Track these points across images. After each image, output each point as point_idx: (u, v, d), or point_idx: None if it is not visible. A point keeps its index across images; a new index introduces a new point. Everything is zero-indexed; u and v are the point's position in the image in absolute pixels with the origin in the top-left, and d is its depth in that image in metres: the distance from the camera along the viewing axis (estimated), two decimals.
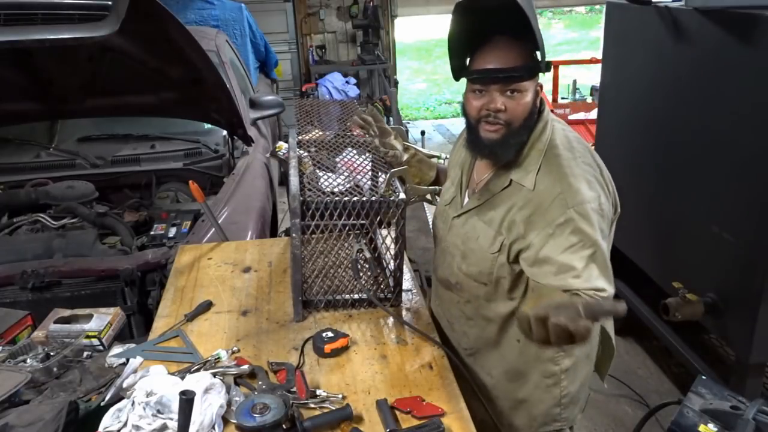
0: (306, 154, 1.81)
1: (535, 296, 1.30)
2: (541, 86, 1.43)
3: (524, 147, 1.42)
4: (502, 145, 1.40)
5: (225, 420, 1.29)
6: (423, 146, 6.19)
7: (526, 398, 1.59)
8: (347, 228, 1.67)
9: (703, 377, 1.33)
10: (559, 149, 1.41)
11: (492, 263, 1.46)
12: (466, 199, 1.56)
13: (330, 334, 1.54)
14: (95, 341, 1.68)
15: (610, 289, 1.33)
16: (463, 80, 1.44)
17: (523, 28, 1.28)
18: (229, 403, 1.31)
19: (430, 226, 4.72)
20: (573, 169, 1.37)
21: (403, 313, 1.71)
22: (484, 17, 1.34)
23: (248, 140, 3.06)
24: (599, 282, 1.31)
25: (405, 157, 1.76)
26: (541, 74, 1.39)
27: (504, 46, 1.35)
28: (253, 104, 3.56)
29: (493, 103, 1.36)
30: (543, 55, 1.34)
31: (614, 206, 1.44)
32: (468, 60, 1.42)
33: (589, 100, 6.24)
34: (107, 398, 1.39)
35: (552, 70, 1.43)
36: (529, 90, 1.37)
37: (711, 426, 1.18)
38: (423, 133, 6.52)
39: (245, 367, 1.43)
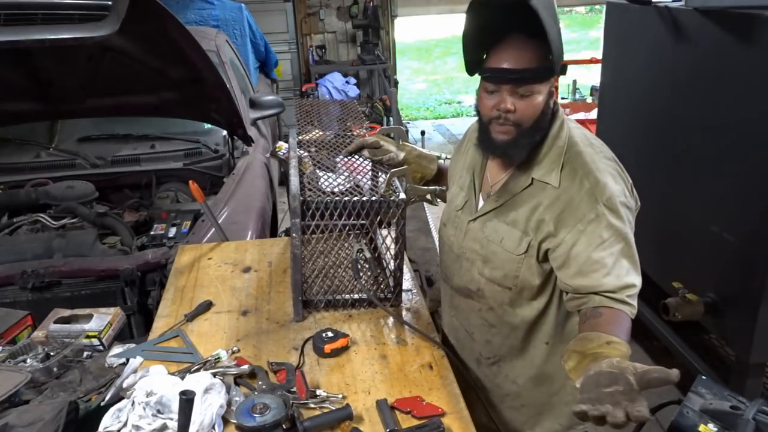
0: (306, 154, 1.81)
1: (578, 354, 1.20)
2: (556, 87, 1.43)
3: (542, 145, 1.41)
4: (513, 146, 1.39)
5: (225, 420, 1.29)
6: (423, 146, 6.19)
7: (553, 402, 1.57)
8: (347, 228, 1.67)
9: (703, 377, 1.33)
10: (579, 146, 1.40)
11: (518, 265, 1.43)
12: (481, 202, 1.53)
13: (330, 334, 1.54)
14: (95, 341, 1.68)
15: (639, 283, 1.34)
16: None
17: (541, 29, 1.26)
18: (229, 403, 1.31)
19: (432, 230, 4.74)
20: (597, 164, 1.37)
21: (403, 313, 1.71)
22: (502, 14, 1.33)
23: (248, 140, 3.06)
24: (629, 278, 1.32)
25: (402, 155, 1.74)
26: (556, 76, 1.39)
27: (519, 46, 1.33)
28: (253, 104, 3.56)
29: (503, 103, 1.35)
30: (558, 58, 1.32)
31: (635, 199, 1.44)
32: (484, 56, 1.39)
33: (589, 100, 6.25)
34: (107, 398, 1.39)
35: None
36: (542, 92, 1.35)
37: (711, 426, 1.18)
38: (423, 133, 6.52)
39: (245, 367, 1.43)
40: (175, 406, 1.25)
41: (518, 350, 1.54)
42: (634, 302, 1.33)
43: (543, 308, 1.47)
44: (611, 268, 1.31)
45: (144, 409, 1.27)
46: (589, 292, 1.33)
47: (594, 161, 1.38)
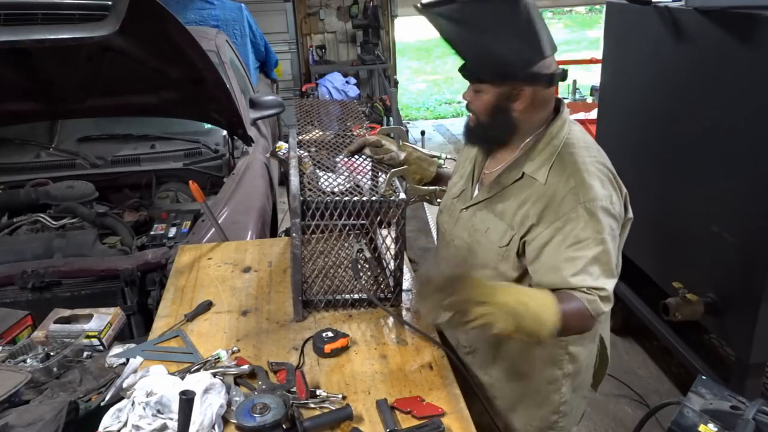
0: (306, 154, 1.81)
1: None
2: (530, 89, 1.41)
3: (539, 143, 1.44)
4: (470, 133, 1.52)
5: (225, 420, 1.29)
6: (423, 146, 6.19)
7: (525, 402, 1.59)
8: (347, 228, 1.67)
9: (703, 377, 1.33)
10: (575, 147, 1.42)
11: (498, 257, 1.46)
12: (476, 192, 1.57)
13: (330, 334, 1.54)
14: (95, 341, 1.68)
15: (609, 287, 1.34)
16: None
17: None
18: (229, 403, 1.31)
19: (431, 225, 4.74)
20: (587, 167, 1.38)
21: (403, 313, 1.71)
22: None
23: (248, 140, 3.06)
24: (598, 281, 1.33)
25: (402, 156, 1.76)
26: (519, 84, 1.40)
27: None
28: (253, 104, 3.57)
29: (467, 94, 1.46)
30: (493, 66, 1.36)
31: (625, 209, 1.44)
32: None
33: (589, 100, 6.25)
34: (107, 398, 1.39)
35: (535, 82, 1.40)
36: (488, 92, 1.41)
37: (711, 426, 1.18)
38: (423, 133, 6.52)
39: (245, 367, 1.43)
40: (175, 406, 1.25)
41: (492, 343, 1.56)
42: (601, 303, 1.34)
43: None
44: (581, 269, 1.33)
45: (144, 409, 1.27)
46: (556, 288, 1.35)
47: (585, 163, 1.39)
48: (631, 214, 1.47)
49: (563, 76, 1.42)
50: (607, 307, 1.35)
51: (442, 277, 1.22)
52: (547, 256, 1.37)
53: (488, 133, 1.47)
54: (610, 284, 1.35)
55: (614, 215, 1.37)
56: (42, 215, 2.64)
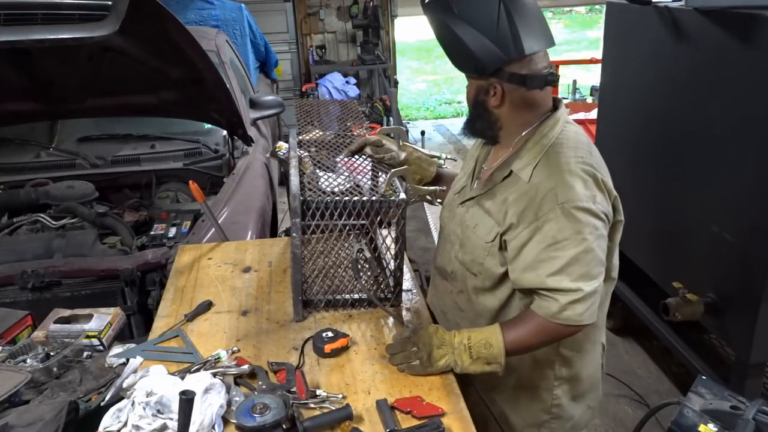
0: (306, 154, 1.81)
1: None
2: (506, 86, 1.42)
3: (529, 141, 1.45)
4: (464, 123, 1.57)
5: (225, 420, 1.29)
6: (423, 146, 6.19)
7: (519, 395, 1.60)
8: (347, 228, 1.67)
9: (703, 377, 1.33)
10: (562, 147, 1.42)
11: (484, 253, 1.47)
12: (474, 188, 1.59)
13: (330, 334, 1.54)
14: (95, 341, 1.67)
15: (589, 289, 1.34)
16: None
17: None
18: (229, 403, 1.31)
19: (431, 225, 4.74)
20: (571, 167, 1.38)
21: (403, 313, 1.71)
22: None
23: (248, 140, 3.06)
24: (575, 283, 1.33)
25: (402, 156, 1.76)
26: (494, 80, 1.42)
27: None
28: (253, 104, 3.57)
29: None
30: (472, 60, 1.38)
31: (615, 211, 1.44)
32: None
33: (589, 100, 6.25)
34: (107, 398, 1.39)
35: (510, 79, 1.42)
36: (472, 84, 1.47)
37: (711, 426, 1.18)
38: (423, 133, 6.52)
39: (245, 367, 1.43)
40: (175, 406, 1.25)
41: None
42: (576, 308, 1.34)
43: (506, 300, 1.50)
44: (559, 269, 1.34)
45: (144, 409, 1.27)
46: (532, 288, 1.38)
47: (568, 163, 1.39)
48: (621, 217, 1.46)
49: (550, 80, 1.41)
50: (581, 308, 1.34)
51: (406, 334, 1.45)
52: (525, 255, 1.38)
53: (473, 125, 1.53)
54: (589, 286, 1.34)
55: (598, 215, 1.36)
56: (42, 215, 2.64)
